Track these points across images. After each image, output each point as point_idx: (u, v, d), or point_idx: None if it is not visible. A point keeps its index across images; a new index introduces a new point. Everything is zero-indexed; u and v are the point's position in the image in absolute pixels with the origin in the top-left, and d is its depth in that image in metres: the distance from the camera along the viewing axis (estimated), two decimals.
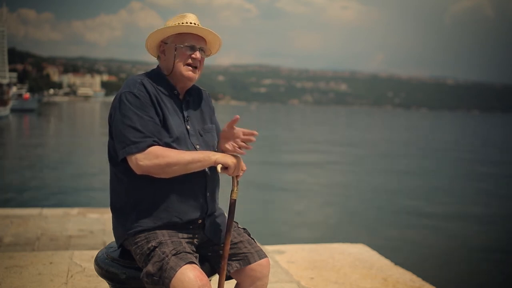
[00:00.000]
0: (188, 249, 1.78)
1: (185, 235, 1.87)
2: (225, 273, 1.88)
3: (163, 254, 1.72)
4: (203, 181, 1.91)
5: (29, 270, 3.27)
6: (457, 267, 8.18)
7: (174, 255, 1.72)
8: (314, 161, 23.75)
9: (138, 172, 1.78)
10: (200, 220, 1.93)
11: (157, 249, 1.76)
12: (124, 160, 1.81)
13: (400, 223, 11.34)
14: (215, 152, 1.85)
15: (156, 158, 1.75)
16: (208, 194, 1.93)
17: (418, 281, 3.62)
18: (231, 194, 1.89)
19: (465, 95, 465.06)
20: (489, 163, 26.49)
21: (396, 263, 4.02)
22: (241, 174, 1.90)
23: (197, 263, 1.75)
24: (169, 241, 1.78)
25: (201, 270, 1.72)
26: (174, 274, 1.66)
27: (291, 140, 36.74)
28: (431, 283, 3.62)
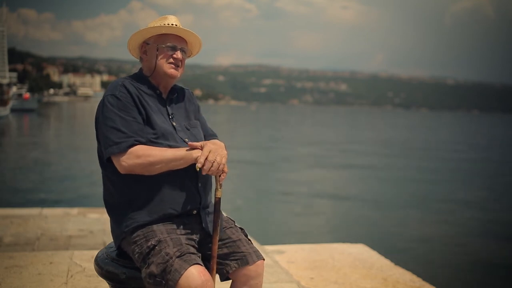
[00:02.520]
0: (192, 250, 1.79)
1: (183, 231, 1.87)
2: (215, 272, 1.88)
3: (167, 255, 1.72)
4: (194, 172, 1.91)
5: (29, 270, 3.27)
6: (457, 267, 8.18)
7: (178, 257, 1.72)
8: (314, 161, 23.74)
9: (122, 171, 1.81)
10: (195, 211, 1.93)
11: (157, 247, 1.76)
12: (111, 161, 1.84)
13: (400, 223, 11.34)
14: (198, 150, 1.86)
15: (137, 158, 1.78)
16: (200, 184, 1.94)
17: (418, 281, 3.62)
18: (215, 193, 1.90)
19: (465, 95, 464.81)
20: (490, 163, 26.49)
21: (396, 263, 4.02)
22: (223, 176, 1.88)
23: (202, 264, 1.75)
24: (168, 238, 1.78)
25: (206, 270, 1.74)
26: (180, 277, 1.67)
27: (290, 140, 36.73)
28: (431, 283, 3.62)
